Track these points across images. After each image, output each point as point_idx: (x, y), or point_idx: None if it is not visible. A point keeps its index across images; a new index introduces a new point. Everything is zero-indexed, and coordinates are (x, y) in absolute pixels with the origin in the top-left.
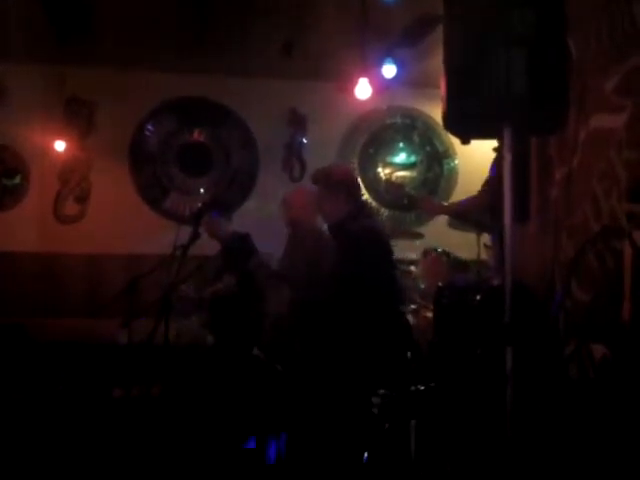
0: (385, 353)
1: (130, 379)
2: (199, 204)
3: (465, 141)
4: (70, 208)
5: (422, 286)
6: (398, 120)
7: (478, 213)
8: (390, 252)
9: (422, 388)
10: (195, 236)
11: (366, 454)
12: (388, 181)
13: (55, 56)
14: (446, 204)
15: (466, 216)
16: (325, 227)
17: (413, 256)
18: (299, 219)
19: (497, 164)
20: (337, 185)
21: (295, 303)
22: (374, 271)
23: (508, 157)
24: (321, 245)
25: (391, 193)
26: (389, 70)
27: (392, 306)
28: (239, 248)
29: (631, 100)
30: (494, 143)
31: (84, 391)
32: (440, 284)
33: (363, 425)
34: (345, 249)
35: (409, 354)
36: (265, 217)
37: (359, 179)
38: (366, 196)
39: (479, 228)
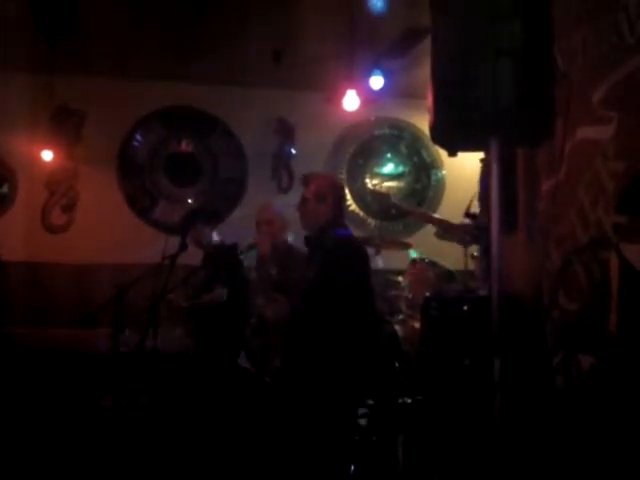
0: (370, 363)
1: (119, 388)
2: (186, 212)
3: (452, 153)
4: (58, 217)
5: (409, 296)
6: (386, 131)
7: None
8: (368, 262)
9: (409, 401)
10: (183, 247)
11: (353, 467)
12: (374, 190)
13: (43, 64)
14: (439, 217)
15: (453, 230)
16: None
17: (400, 266)
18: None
19: (483, 175)
20: (326, 191)
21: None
22: (357, 280)
23: (495, 168)
24: (287, 260)
25: (377, 202)
26: (377, 81)
27: (373, 315)
28: (224, 259)
29: (618, 112)
30: (481, 155)
31: (72, 401)
32: (428, 294)
33: (350, 438)
34: (325, 260)
35: (397, 364)
36: (253, 227)
37: (346, 190)
38: (354, 206)
39: (467, 239)
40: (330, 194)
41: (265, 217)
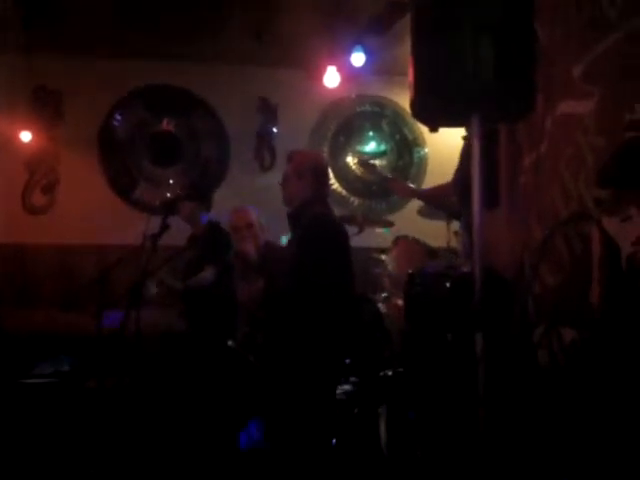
0: (350, 339)
1: (103, 370)
2: (176, 193)
3: (433, 129)
4: (38, 198)
5: (393, 274)
6: (367, 108)
7: (447, 199)
8: (345, 240)
9: (390, 373)
10: (165, 226)
11: (335, 439)
12: (362, 162)
13: (21, 44)
14: (416, 187)
15: (436, 201)
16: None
17: (384, 244)
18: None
19: (465, 152)
20: (305, 168)
21: (269, 294)
22: (329, 259)
23: (477, 144)
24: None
25: (366, 173)
26: (358, 58)
27: (350, 293)
28: (219, 238)
29: (598, 86)
30: (462, 131)
31: (56, 382)
32: (410, 271)
33: (331, 410)
34: (300, 238)
35: (380, 342)
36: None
37: (329, 169)
38: (336, 185)
39: (449, 215)
40: (309, 170)
41: (245, 221)
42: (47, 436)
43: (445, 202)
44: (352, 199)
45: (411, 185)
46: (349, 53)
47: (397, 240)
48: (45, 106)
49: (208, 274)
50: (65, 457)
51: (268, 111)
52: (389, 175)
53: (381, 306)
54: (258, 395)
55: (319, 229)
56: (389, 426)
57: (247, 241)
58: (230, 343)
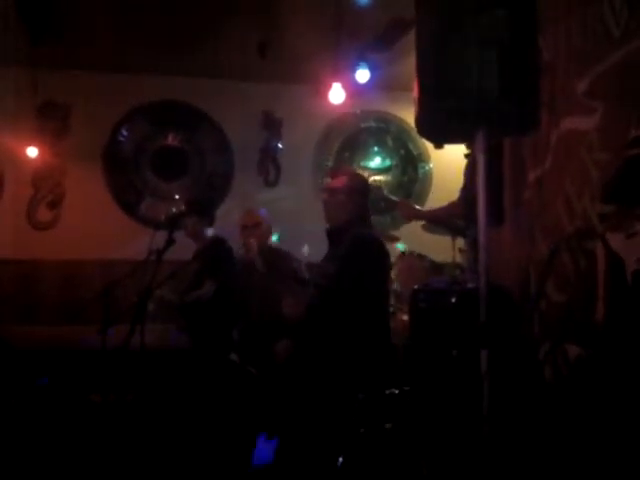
0: (367, 357)
1: (107, 385)
2: (181, 208)
3: (438, 145)
4: (44, 214)
5: (398, 289)
6: (372, 124)
7: (452, 220)
8: (385, 262)
9: (397, 392)
10: (170, 241)
11: (341, 459)
12: None
13: (27, 59)
14: (423, 209)
15: (442, 221)
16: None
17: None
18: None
19: (469, 170)
20: (337, 187)
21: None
22: (366, 279)
23: (481, 159)
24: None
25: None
26: (362, 74)
27: (380, 314)
28: (212, 253)
29: (602, 102)
30: (465, 150)
31: (60, 398)
32: (416, 287)
33: (338, 429)
34: (342, 256)
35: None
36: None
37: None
38: None
39: (454, 232)
40: (340, 190)
41: (252, 220)
42: (50, 449)
43: (450, 222)
44: None
45: (417, 207)
46: (353, 69)
47: (402, 255)
48: (51, 121)
49: (206, 289)
50: (67, 471)
51: (272, 126)
52: (394, 198)
53: None
54: (264, 410)
55: (361, 248)
56: (395, 444)
57: (250, 240)
58: (233, 357)
